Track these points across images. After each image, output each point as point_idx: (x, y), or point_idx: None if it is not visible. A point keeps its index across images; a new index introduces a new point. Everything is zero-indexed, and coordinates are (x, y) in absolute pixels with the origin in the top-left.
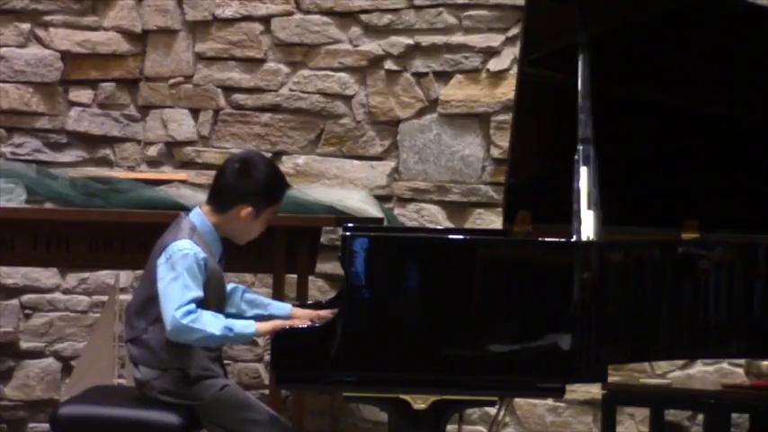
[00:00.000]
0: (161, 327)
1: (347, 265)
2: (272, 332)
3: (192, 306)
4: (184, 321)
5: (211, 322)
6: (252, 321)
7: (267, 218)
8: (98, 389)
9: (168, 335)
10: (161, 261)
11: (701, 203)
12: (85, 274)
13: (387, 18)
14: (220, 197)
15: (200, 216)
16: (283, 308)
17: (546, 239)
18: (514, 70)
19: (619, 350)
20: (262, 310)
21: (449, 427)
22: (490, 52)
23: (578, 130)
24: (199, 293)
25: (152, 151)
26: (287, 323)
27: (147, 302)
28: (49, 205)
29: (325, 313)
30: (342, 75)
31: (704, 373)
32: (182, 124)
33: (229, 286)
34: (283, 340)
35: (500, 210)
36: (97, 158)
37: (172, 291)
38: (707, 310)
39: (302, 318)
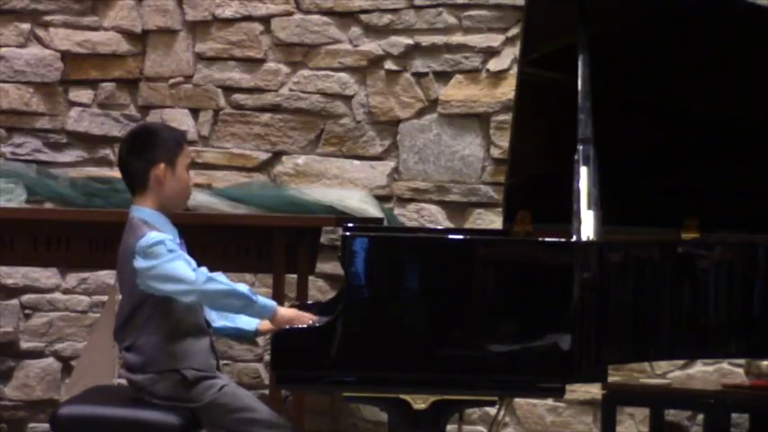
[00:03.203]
0: (152, 328)
1: (347, 265)
2: (288, 323)
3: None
4: (210, 274)
5: (233, 283)
6: (275, 303)
7: (185, 167)
8: (98, 389)
9: (194, 291)
10: (138, 263)
11: (700, 203)
12: (85, 274)
13: (387, 18)
14: (135, 179)
15: (139, 210)
16: (250, 323)
17: (546, 239)
18: (514, 70)
19: (619, 350)
20: (229, 322)
21: (449, 427)
22: (490, 52)
23: (578, 130)
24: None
25: None
26: (298, 320)
27: (132, 312)
28: (49, 205)
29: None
30: (342, 75)
31: (704, 373)
32: (182, 124)
33: None
34: (283, 340)
35: (500, 210)
36: (97, 158)
37: (174, 265)
38: (707, 309)
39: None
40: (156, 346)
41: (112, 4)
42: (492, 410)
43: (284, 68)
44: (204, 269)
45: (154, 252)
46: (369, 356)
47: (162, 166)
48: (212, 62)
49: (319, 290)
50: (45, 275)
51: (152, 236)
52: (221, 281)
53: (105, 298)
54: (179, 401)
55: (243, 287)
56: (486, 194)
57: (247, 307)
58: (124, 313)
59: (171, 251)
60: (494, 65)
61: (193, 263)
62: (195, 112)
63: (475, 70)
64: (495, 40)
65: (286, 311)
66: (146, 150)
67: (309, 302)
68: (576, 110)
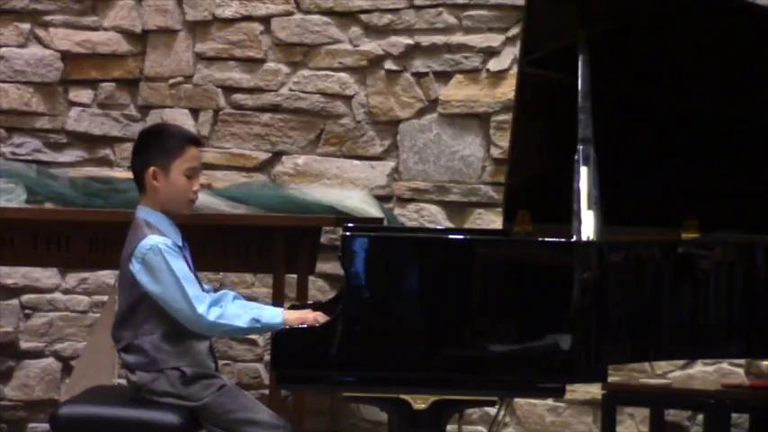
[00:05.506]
0: (149, 328)
1: (347, 265)
2: (300, 322)
3: (210, 299)
4: (212, 318)
5: (238, 315)
6: (279, 310)
7: (183, 171)
8: (98, 389)
9: (195, 326)
10: (135, 268)
11: (700, 203)
12: (85, 274)
13: (387, 18)
14: (136, 179)
15: (143, 210)
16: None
17: (546, 239)
18: (514, 70)
19: (619, 350)
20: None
21: (449, 427)
22: (490, 52)
23: (578, 130)
24: (191, 274)
25: None
26: (311, 316)
27: (129, 311)
28: (49, 205)
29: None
30: (342, 75)
31: (704, 373)
32: (182, 124)
33: (219, 292)
34: (283, 340)
35: (500, 210)
36: (97, 158)
37: (173, 291)
38: (707, 310)
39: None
40: (155, 345)
41: (112, 4)
42: (492, 410)
43: (284, 68)
44: (207, 304)
45: (147, 260)
46: (369, 356)
47: (152, 169)
48: (212, 62)
49: (319, 290)
50: (45, 275)
51: (147, 241)
52: (224, 324)
53: (105, 298)
54: (177, 398)
55: (244, 319)
56: (486, 194)
57: (252, 332)
58: (121, 312)
59: (167, 262)
60: (494, 65)
61: (194, 286)
62: (195, 112)
63: (475, 70)
64: (495, 40)
65: (289, 315)
66: (142, 151)
67: (309, 302)
68: (576, 110)
